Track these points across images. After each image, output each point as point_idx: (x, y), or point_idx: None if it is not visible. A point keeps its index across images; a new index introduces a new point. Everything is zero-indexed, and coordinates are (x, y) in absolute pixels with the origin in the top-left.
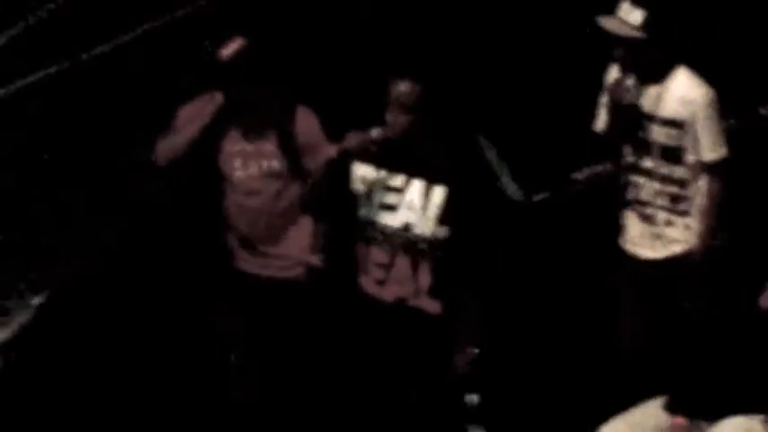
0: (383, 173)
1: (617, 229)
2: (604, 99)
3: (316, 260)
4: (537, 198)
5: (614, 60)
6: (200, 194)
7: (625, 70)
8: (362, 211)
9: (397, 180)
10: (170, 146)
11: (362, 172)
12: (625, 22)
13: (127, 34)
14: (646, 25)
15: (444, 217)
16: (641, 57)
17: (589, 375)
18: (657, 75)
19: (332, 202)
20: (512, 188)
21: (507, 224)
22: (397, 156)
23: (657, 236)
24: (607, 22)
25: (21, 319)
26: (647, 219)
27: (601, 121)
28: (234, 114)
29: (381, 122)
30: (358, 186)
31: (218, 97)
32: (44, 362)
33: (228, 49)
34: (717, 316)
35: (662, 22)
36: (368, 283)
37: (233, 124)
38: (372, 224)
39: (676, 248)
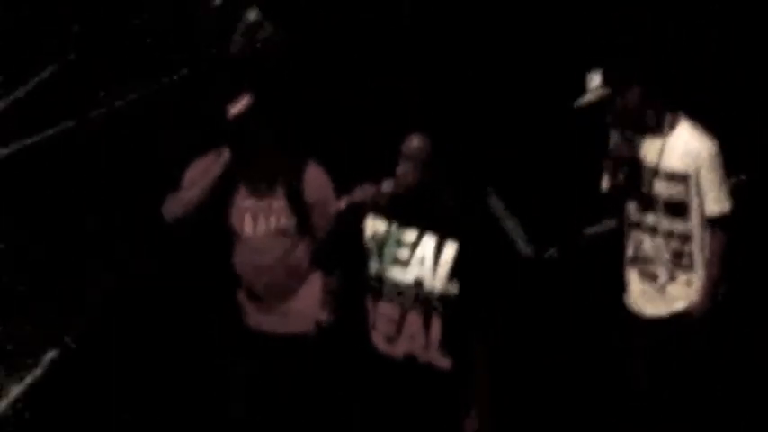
0: (394, 227)
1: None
2: (608, 160)
3: (325, 316)
4: (547, 254)
5: (610, 126)
6: (210, 251)
7: (621, 129)
8: (373, 266)
9: (409, 235)
10: (179, 202)
11: (374, 227)
12: (592, 90)
13: (134, 92)
14: (605, 81)
15: (455, 272)
16: (623, 112)
17: None
18: (657, 128)
19: (342, 257)
20: (522, 244)
21: (517, 280)
22: (408, 210)
23: (660, 293)
24: (581, 101)
25: (32, 375)
26: (649, 276)
27: (605, 180)
28: (243, 171)
29: (392, 176)
30: (369, 241)
31: (227, 154)
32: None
33: (236, 107)
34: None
35: (623, 71)
36: (378, 339)
37: (242, 181)
38: (383, 279)
39: (678, 305)
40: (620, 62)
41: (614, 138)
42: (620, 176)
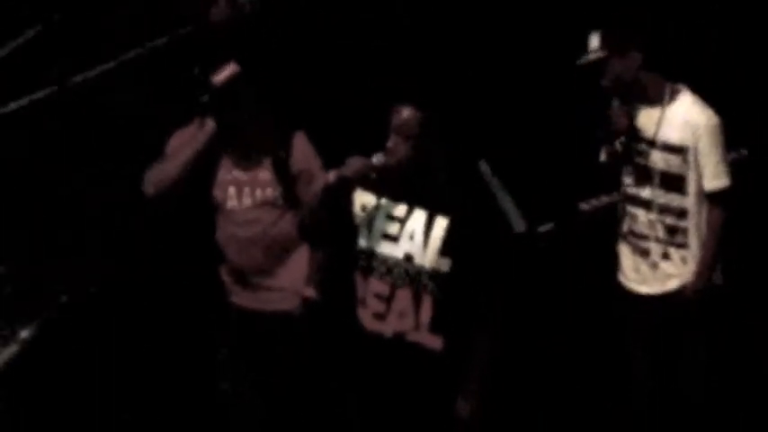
0: (384, 201)
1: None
2: (602, 130)
3: (311, 292)
4: (541, 229)
5: (607, 93)
6: (192, 225)
7: (619, 97)
8: (362, 241)
9: (399, 209)
10: (160, 174)
11: (363, 200)
12: (589, 51)
13: (114, 60)
14: (604, 43)
15: (446, 248)
16: (620, 77)
17: (597, 415)
18: (656, 98)
19: (330, 231)
20: (515, 219)
21: (511, 256)
22: (398, 184)
23: (652, 270)
24: (581, 60)
25: (7, 351)
26: (642, 252)
27: (603, 151)
28: (226, 141)
29: (382, 149)
30: (357, 214)
31: (210, 124)
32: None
33: (221, 75)
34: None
35: (622, 35)
36: (366, 317)
37: (225, 152)
38: (372, 254)
39: (672, 284)
40: (620, 24)
41: (613, 106)
42: (617, 146)
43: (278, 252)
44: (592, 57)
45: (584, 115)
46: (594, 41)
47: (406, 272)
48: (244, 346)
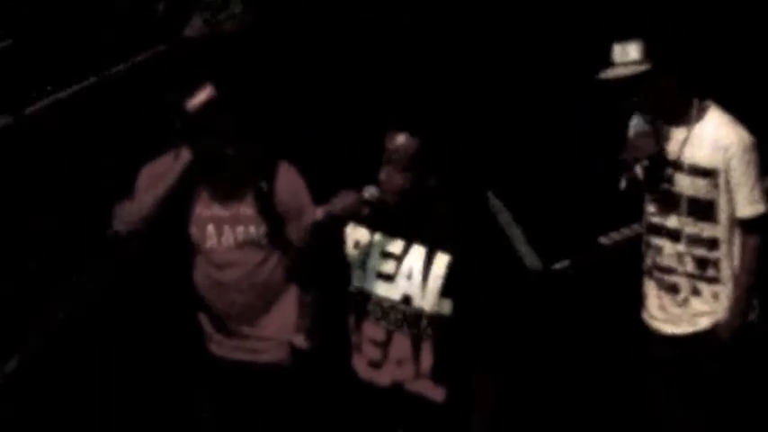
0: (378, 236)
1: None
2: (626, 153)
3: (300, 340)
4: (557, 267)
5: (635, 109)
6: (167, 267)
7: (649, 114)
8: (355, 282)
9: (395, 245)
10: (131, 211)
11: (355, 236)
12: (625, 63)
13: (79, 83)
14: (647, 54)
15: (448, 289)
16: (659, 92)
17: None
18: (683, 116)
19: (320, 271)
20: (528, 255)
21: (523, 297)
22: (394, 217)
23: (680, 308)
24: (609, 73)
25: None
26: (669, 288)
27: (623, 179)
28: (204, 173)
29: (375, 180)
30: (350, 252)
31: (186, 154)
32: None
33: (195, 99)
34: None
35: (663, 46)
36: (361, 365)
37: (204, 185)
38: (367, 296)
39: (703, 322)
40: (667, 36)
41: (637, 125)
42: (638, 172)
43: (263, 296)
44: (627, 71)
45: (584, 118)
46: (632, 52)
47: (404, 315)
48: (226, 403)
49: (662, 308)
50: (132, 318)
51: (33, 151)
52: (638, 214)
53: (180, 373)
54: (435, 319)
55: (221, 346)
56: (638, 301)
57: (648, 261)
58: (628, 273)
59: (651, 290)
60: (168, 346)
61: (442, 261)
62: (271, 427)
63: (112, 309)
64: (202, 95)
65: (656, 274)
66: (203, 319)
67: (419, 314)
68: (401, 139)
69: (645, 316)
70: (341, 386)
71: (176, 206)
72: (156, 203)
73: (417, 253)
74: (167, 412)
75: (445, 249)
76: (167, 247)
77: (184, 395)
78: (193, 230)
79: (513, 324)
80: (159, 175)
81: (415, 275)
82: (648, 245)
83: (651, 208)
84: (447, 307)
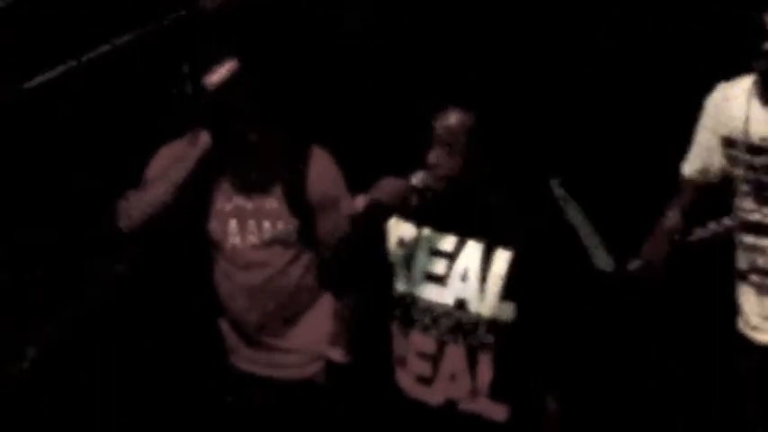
0: (427, 232)
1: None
2: (704, 135)
3: (337, 354)
4: (633, 267)
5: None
6: (182, 270)
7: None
8: (400, 285)
9: (447, 242)
10: (140, 205)
11: (400, 232)
12: None
13: (85, 54)
14: None
15: (510, 291)
16: None
17: None
18: None
19: (358, 274)
20: (598, 254)
21: (594, 301)
22: (445, 210)
23: None
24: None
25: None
26: None
27: (701, 163)
28: (226, 161)
29: (424, 166)
30: (394, 252)
31: (205, 138)
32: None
33: (218, 74)
34: None
35: None
36: (407, 381)
37: (225, 175)
38: (413, 302)
39: None
40: None
41: (718, 98)
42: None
43: (293, 303)
44: None
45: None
46: None
47: (458, 322)
48: (251, 425)
49: (763, 315)
50: (142, 328)
51: (30, 132)
52: (726, 207)
53: (199, 390)
54: (495, 325)
55: (245, 360)
56: (728, 307)
57: (743, 263)
58: (715, 275)
59: (750, 296)
60: (184, 361)
61: (502, 258)
62: None
63: (118, 318)
64: (224, 71)
65: (755, 278)
66: (225, 329)
67: (476, 321)
68: (453, 116)
69: (741, 325)
70: (384, 406)
71: (193, 199)
72: (169, 195)
73: (473, 250)
74: None
75: (506, 245)
76: (182, 247)
77: (204, 416)
78: (213, 226)
79: (584, 332)
80: (173, 162)
81: (470, 276)
82: (745, 245)
83: (746, 203)
84: (508, 312)
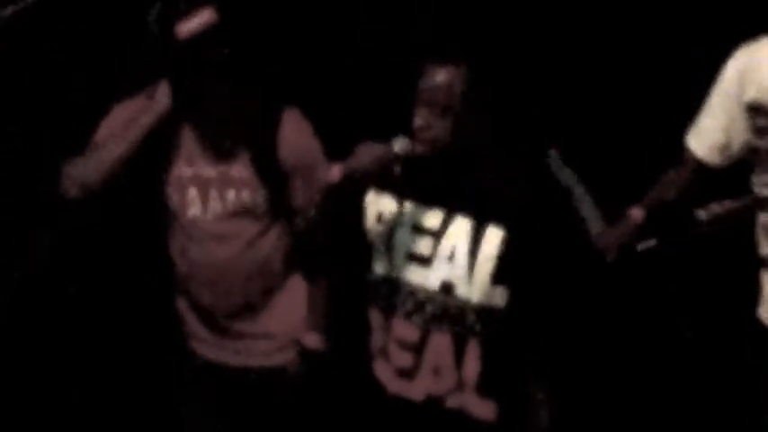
0: (410, 207)
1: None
2: (725, 104)
3: (312, 340)
4: (641, 247)
5: None
6: (136, 244)
7: None
8: (379, 267)
9: (432, 218)
10: (88, 168)
11: (380, 206)
12: None
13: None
14: None
15: (502, 274)
16: None
17: None
18: None
19: (334, 253)
20: (596, 224)
21: (595, 285)
22: (430, 181)
23: None
24: None
25: None
26: None
27: (720, 139)
28: (189, 121)
29: (408, 131)
30: (372, 229)
31: (164, 93)
32: None
33: (192, 23)
34: None
35: None
36: (387, 373)
37: (187, 136)
38: (395, 285)
39: None
40: None
41: (737, 65)
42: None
43: (262, 283)
44: None
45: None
46: None
47: (444, 309)
48: (219, 418)
49: None
50: (89, 307)
51: None
52: (744, 181)
53: (157, 382)
54: (485, 312)
55: (209, 346)
56: (749, 289)
57: (766, 246)
58: (733, 256)
59: None
60: (138, 346)
61: (494, 237)
62: None
63: (59, 298)
64: (199, 20)
65: None
66: (185, 313)
67: (464, 307)
68: (441, 74)
69: (761, 312)
70: (361, 400)
71: (149, 162)
72: (121, 157)
73: (461, 227)
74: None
75: (498, 222)
76: (136, 217)
77: (163, 408)
78: (171, 194)
79: (582, 320)
80: (127, 121)
81: (458, 257)
82: (764, 225)
83: (765, 176)
84: (500, 297)
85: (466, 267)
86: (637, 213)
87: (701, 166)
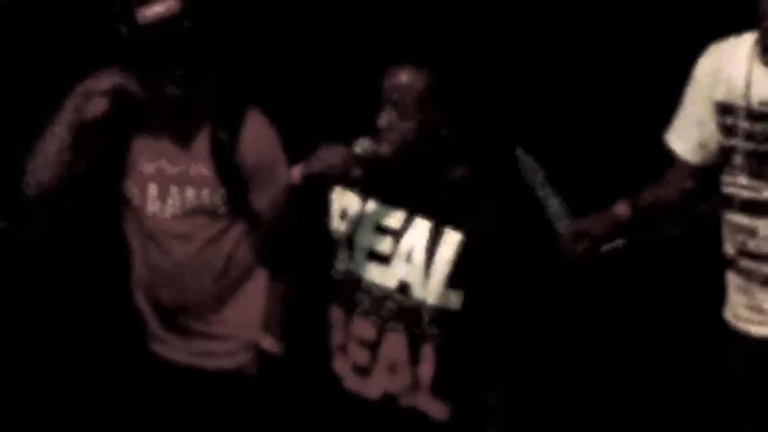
0: (373, 206)
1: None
2: (696, 104)
3: (269, 342)
4: (606, 248)
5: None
6: (93, 242)
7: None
8: (341, 264)
9: (394, 217)
10: (38, 164)
11: (344, 203)
12: None
13: None
14: None
15: (458, 277)
16: None
17: None
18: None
19: (295, 251)
20: (562, 223)
21: (560, 288)
22: (393, 181)
23: None
24: None
25: None
26: (765, 281)
27: (696, 138)
28: (148, 114)
29: (371, 131)
30: (336, 226)
31: (113, 77)
32: None
33: (153, 9)
34: None
35: None
36: (345, 371)
37: (145, 130)
38: (356, 283)
39: None
40: None
41: (709, 63)
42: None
43: (220, 283)
44: None
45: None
46: None
47: (400, 308)
48: (175, 420)
49: (750, 306)
50: (47, 304)
51: None
52: (713, 182)
53: (114, 381)
54: (440, 314)
55: (166, 346)
56: (715, 292)
57: (731, 247)
58: (700, 257)
59: (736, 283)
60: (97, 346)
61: (451, 240)
62: None
63: (18, 293)
64: (162, 6)
65: (745, 262)
66: (144, 311)
67: (419, 307)
68: (405, 74)
69: (727, 315)
70: (319, 400)
71: (105, 156)
72: (60, 150)
73: (421, 228)
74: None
75: (457, 225)
76: (97, 212)
77: (121, 409)
78: (130, 189)
79: (543, 323)
80: (79, 110)
81: (416, 257)
82: (734, 226)
83: (733, 177)
84: (455, 300)
85: (422, 268)
86: (623, 208)
87: (689, 166)
